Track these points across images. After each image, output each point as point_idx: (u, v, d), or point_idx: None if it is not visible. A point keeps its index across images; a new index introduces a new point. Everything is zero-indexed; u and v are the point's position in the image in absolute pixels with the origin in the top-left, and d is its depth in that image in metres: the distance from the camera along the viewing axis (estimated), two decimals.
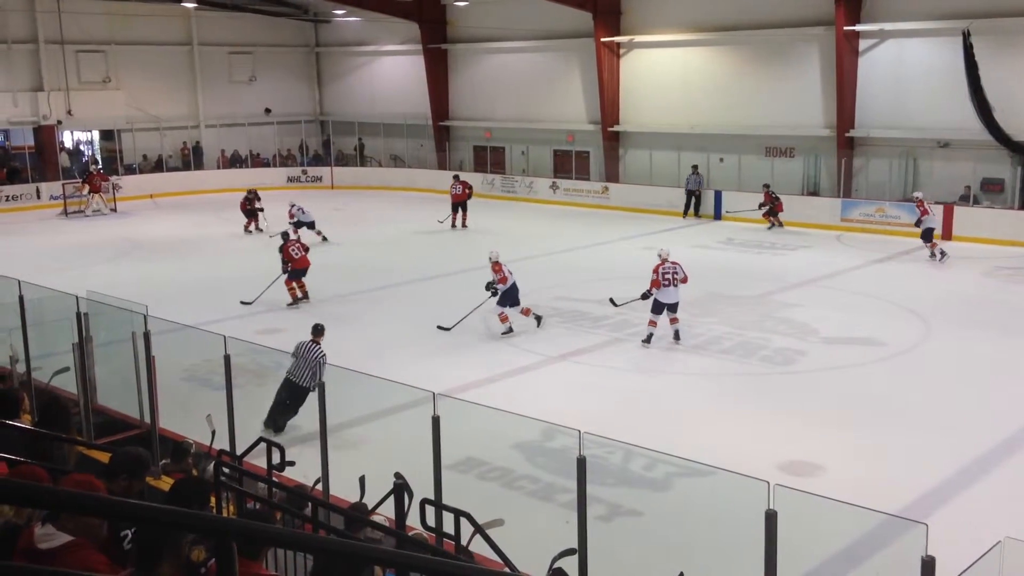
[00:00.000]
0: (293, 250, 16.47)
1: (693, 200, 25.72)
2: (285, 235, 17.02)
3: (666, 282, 13.62)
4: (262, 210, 23.47)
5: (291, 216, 21.41)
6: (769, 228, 23.60)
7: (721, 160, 26.23)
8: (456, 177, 25.27)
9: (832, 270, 18.81)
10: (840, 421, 10.87)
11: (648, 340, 13.75)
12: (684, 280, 13.82)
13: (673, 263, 13.83)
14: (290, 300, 16.45)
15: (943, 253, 19.43)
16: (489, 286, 14.50)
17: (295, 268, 16.42)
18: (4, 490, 2.61)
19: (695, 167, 26.00)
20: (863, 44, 23.64)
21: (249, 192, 24.00)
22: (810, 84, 24.71)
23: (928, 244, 19.61)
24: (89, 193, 27.22)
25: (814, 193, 24.77)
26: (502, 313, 14.43)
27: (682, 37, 26.86)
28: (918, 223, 19.75)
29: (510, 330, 14.38)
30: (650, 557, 8.06)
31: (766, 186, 23.98)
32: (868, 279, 18.18)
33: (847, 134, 23.80)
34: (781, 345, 13.71)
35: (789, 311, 15.62)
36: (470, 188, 24.90)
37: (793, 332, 14.37)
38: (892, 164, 23.45)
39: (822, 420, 10.92)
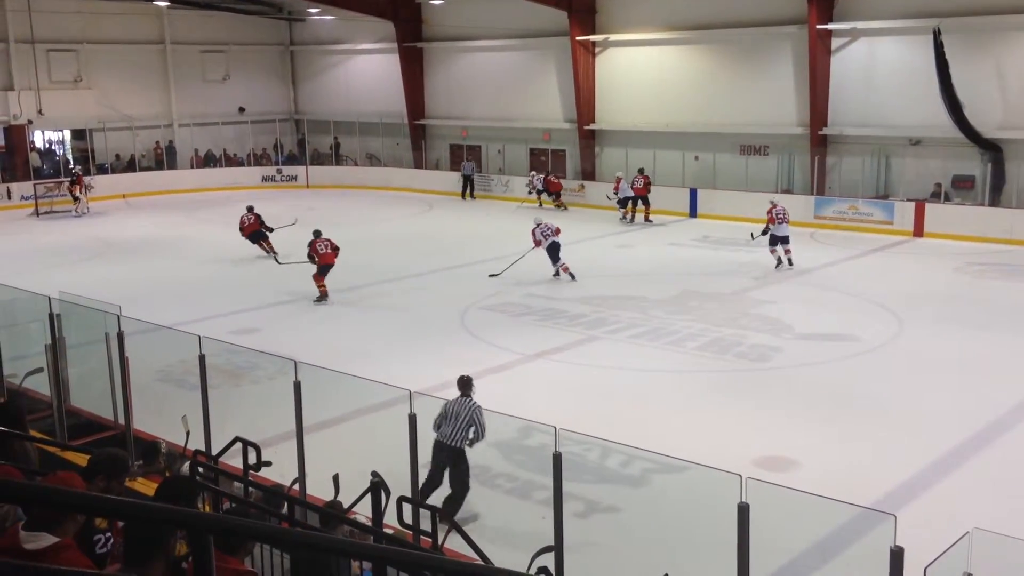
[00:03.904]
0: (320, 246, 16.66)
1: (469, 184, 29.78)
2: (317, 232, 17.16)
3: (780, 220, 18.33)
4: None
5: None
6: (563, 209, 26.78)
7: (696, 158, 26.38)
8: (641, 171, 25.50)
9: (806, 267, 18.97)
10: (814, 416, 10.98)
11: (779, 264, 18.62)
12: (788, 220, 18.55)
13: (783, 207, 18.65)
14: (318, 296, 16.61)
15: (631, 218, 24.60)
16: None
17: (320, 264, 16.61)
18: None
19: (470, 156, 30.72)
20: (835, 43, 23.86)
21: None
22: (783, 83, 24.90)
23: (623, 210, 24.61)
24: (81, 192, 27.03)
25: (788, 191, 24.95)
26: (561, 265, 17.76)
27: (657, 36, 26.99)
28: (623, 199, 24.62)
29: (570, 276, 17.68)
30: (627, 552, 8.12)
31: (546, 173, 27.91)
32: (841, 275, 18.37)
33: (820, 132, 24.01)
34: (756, 341, 13.83)
35: (764, 308, 15.75)
36: (649, 183, 25.23)
37: (768, 328, 14.49)
38: (865, 162, 23.69)
39: (796, 415, 11.03)
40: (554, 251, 17.77)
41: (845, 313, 15.43)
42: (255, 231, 20.67)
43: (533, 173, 28.57)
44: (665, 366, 13.00)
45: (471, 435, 8.52)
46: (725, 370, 12.83)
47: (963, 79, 21.55)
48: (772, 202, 18.99)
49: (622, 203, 24.68)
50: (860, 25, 23.20)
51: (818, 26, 23.30)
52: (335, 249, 16.80)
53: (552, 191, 27.38)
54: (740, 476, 4.99)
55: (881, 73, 23.37)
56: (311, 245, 16.80)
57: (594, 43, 28.25)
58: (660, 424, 10.66)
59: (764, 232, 18.74)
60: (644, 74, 27.53)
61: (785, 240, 18.58)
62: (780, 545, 7.42)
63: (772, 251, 18.71)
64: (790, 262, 18.64)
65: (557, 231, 17.89)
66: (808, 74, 23.81)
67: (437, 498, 8.26)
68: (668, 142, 26.72)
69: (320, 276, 16.67)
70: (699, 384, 12.32)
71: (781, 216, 18.42)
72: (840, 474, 9.25)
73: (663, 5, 26.65)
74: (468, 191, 29.90)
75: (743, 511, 5.01)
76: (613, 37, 27.83)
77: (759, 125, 25.20)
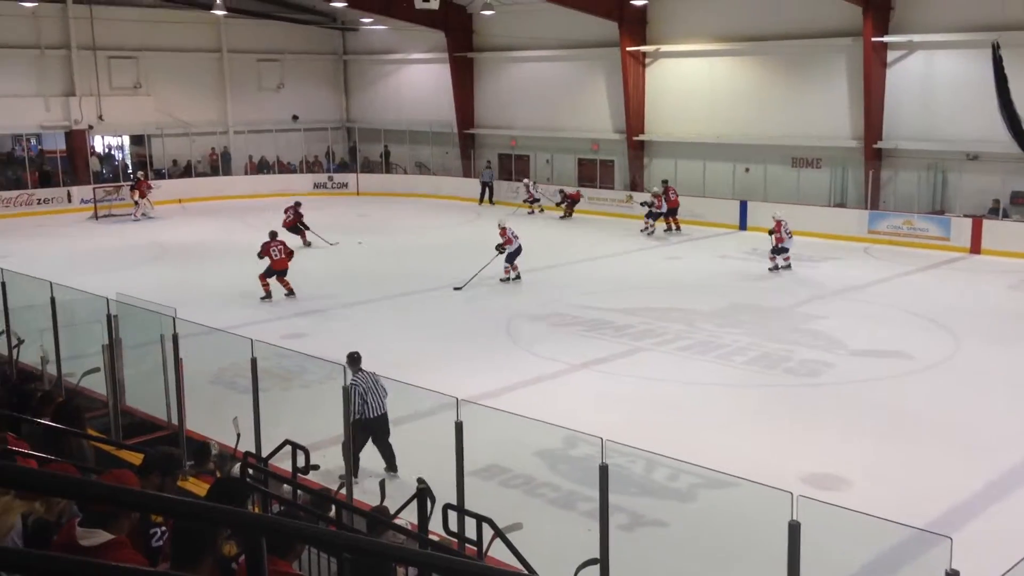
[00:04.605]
0: (273, 250, 17.31)
1: (487, 190, 30.62)
2: (272, 234, 17.96)
3: (788, 235, 19.59)
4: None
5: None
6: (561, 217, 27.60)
7: (747, 170, 26.14)
8: (666, 183, 25.63)
9: (859, 282, 18.68)
10: (866, 434, 10.78)
11: (775, 269, 19.75)
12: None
13: (787, 222, 19.75)
14: (263, 294, 17.27)
15: (646, 228, 24.55)
16: (498, 247, 18.43)
17: (271, 267, 17.31)
18: (52, 482, 2.66)
19: (488, 162, 31.68)
20: (891, 55, 23.50)
21: None
22: (838, 95, 24.58)
23: (649, 222, 24.55)
24: (140, 198, 27.64)
25: (841, 205, 24.62)
26: (507, 267, 18.46)
27: (708, 47, 26.82)
28: (656, 213, 24.60)
29: (507, 279, 18.49)
30: (673, 567, 8.04)
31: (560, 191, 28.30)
32: (896, 292, 18.04)
33: (875, 145, 23.65)
34: (807, 357, 13.63)
35: (815, 323, 15.53)
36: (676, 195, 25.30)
37: (819, 344, 14.28)
38: (920, 176, 23.27)
39: (848, 433, 10.84)
40: (517, 254, 18.56)
41: (898, 330, 15.15)
42: (291, 225, 22.23)
43: (526, 180, 29.14)
44: (713, 379, 12.87)
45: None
46: (774, 385, 12.66)
47: (1022, 93, 21.06)
48: (780, 219, 19.76)
49: (653, 216, 24.56)
50: (917, 38, 22.82)
51: (873, 38, 22.97)
52: (289, 254, 17.50)
53: (572, 200, 27.80)
54: (791, 493, 4.91)
55: (938, 86, 22.95)
56: (264, 246, 17.49)
57: (644, 54, 28.17)
58: (707, 438, 10.54)
59: (780, 250, 19.67)
60: (695, 85, 27.37)
61: (786, 251, 19.79)
62: (832, 565, 7.28)
63: (772, 258, 19.69)
64: (789, 266, 19.85)
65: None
66: (863, 87, 23.48)
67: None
68: (718, 153, 26.52)
69: (266, 276, 17.28)
70: (748, 399, 12.17)
71: (789, 231, 19.65)
72: (893, 494, 9.07)
73: (715, 16, 26.48)
74: (487, 197, 30.59)
75: (794, 529, 4.92)
76: (664, 48, 27.72)
77: (812, 137, 24.89)
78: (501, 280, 18.43)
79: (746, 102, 26.20)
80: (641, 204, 25.80)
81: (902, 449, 10.37)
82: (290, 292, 17.43)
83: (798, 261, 20.79)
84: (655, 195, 24.86)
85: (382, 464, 9.65)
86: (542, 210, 28.39)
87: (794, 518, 4.94)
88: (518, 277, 18.62)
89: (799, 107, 25.14)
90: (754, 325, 15.43)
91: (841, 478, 9.50)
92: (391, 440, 9.67)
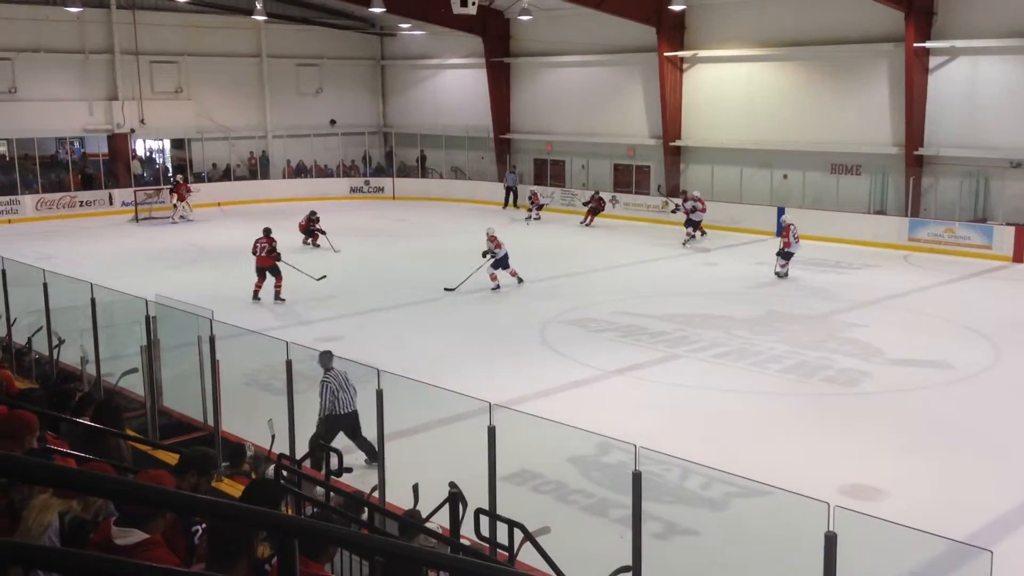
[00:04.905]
0: (258, 248, 17.46)
1: (511, 195, 30.84)
2: (266, 230, 18.02)
3: (795, 240, 19.30)
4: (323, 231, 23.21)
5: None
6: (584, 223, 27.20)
7: (785, 176, 25.89)
8: (684, 193, 25.40)
9: (899, 290, 18.42)
10: (905, 445, 10.61)
11: (784, 275, 19.48)
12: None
13: (796, 226, 19.53)
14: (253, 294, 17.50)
15: (693, 237, 23.95)
16: (485, 253, 18.40)
17: (256, 265, 17.45)
18: (89, 481, 2.70)
19: (513, 166, 31.81)
20: (933, 61, 23.16)
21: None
22: (878, 101, 24.28)
23: (691, 231, 24.01)
24: (178, 201, 28.02)
25: (881, 212, 24.30)
26: (492, 273, 18.27)
27: (747, 52, 26.62)
28: (693, 220, 24.10)
29: (497, 287, 18.28)
30: None
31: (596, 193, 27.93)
32: (936, 300, 17.77)
33: (916, 152, 23.31)
34: (845, 366, 13.45)
35: (853, 331, 15.32)
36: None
37: (857, 352, 14.09)
38: (962, 184, 22.90)
39: (886, 443, 10.68)
40: (505, 260, 18.47)
41: (939, 339, 14.91)
42: (304, 229, 22.88)
43: (533, 189, 29.41)
44: (749, 388, 12.73)
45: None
46: (811, 394, 12.51)
47: None
48: (790, 223, 19.61)
49: (693, 224, 24.10)
50: (959, 44, 22.47)
51: (915, 44, 22.65)
52: (271, 253, 17.42)
53: (598, 207, 27.44)
54: (828, 504, 4.83)
55: (981, 93, 22.58)
56: (254, 243, 17.65)
57: (682, 59, 28.03)
58: (743, 447, 10.44)
59: (787, 254, 19.28)
60: (733, 91, 27.18)
61: (791, 255, 19.52)
62: None
63: (782, 264, 19.39)
64: (786, 274, 19.56)
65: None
66: (904, 93, 23.16)
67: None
68: (755, 159, 26.30)
69: (259, 276, 17.38)
70: (784, 407, 12.03)
71: (797, 236, 19.38)
72: (931, 506, 8.91)
73: (754, 22, 26.29)
74: (512, 201, 30.79)
75: (831, 541, 4.85)
76: (702, 53, 27.56)
77: (852, 144, 24.60)
78: (492, 290, 18.20)
79: (785, 108, 25.97)
80: (672, 211, 25.48)
81: (941, 460, 10.19)
82: (278, 296, 17.42)
83: (839, 267, 20.58)
84: (696, 198, 24.31)
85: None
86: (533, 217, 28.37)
87: (830, 529, 4.87)
88: (521, 281, 18.58)
89: (839, 113, 24.86)
90: (791, 333, 15.26)
91: (878, 489, 9.35)
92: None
